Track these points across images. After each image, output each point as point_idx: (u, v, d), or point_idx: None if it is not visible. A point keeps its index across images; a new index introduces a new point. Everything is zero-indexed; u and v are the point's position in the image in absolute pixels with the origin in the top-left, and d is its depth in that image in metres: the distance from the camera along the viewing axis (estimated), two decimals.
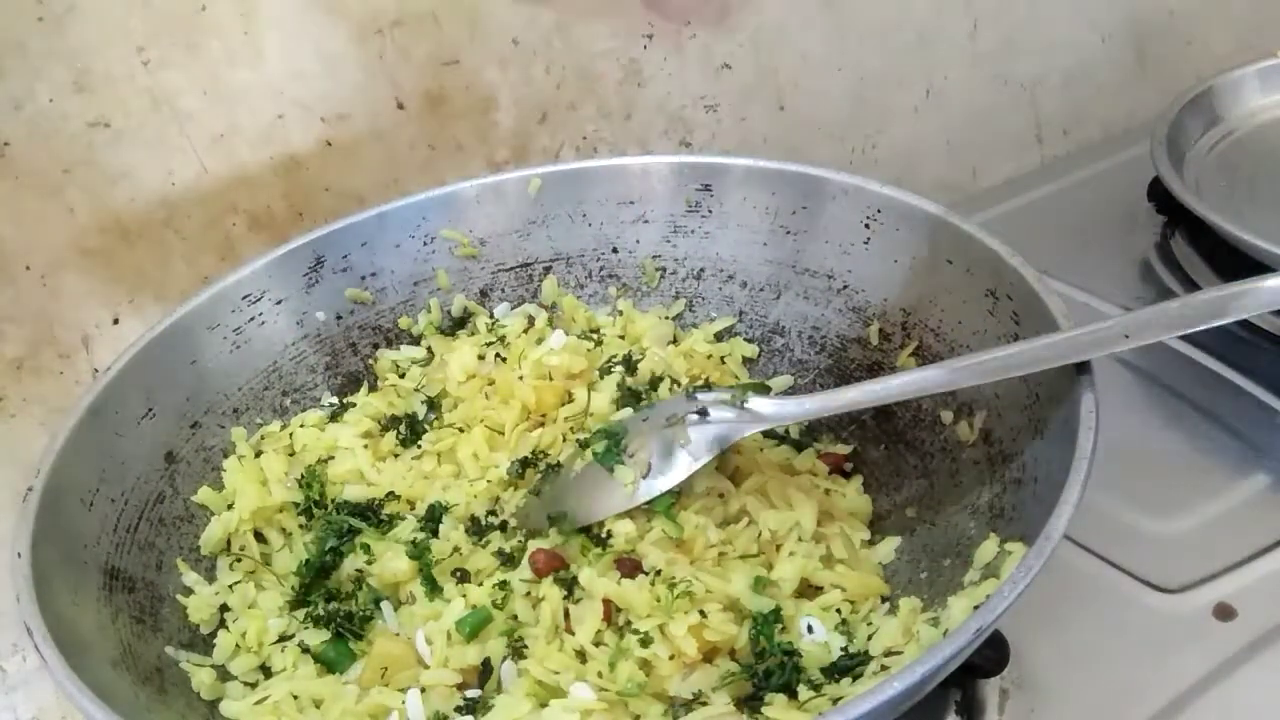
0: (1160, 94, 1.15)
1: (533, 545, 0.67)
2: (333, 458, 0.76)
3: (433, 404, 0.80)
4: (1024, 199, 1.18)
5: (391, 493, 0.73)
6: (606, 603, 0.63)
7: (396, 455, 0.77)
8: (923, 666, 0.49)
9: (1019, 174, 1.26)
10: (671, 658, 0.61)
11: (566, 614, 0.64)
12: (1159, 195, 1.05)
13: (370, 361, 0.83)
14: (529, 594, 0.65)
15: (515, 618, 0.65)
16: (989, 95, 1.24)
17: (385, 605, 0.68)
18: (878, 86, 1.15)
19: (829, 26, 1.10)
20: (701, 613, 0.62)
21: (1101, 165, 1.22)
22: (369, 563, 0.69)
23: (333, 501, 0.73)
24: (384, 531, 0.71)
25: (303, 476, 0.74)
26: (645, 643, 0.61)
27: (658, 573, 0.64)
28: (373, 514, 0.72)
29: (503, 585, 0.66)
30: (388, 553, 0.69)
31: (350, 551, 0.70)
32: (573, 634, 0.63)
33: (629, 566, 0.65)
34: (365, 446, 0.76)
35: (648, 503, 0.67)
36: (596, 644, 0.62)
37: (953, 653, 0.49)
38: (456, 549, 0.69)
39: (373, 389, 0.82)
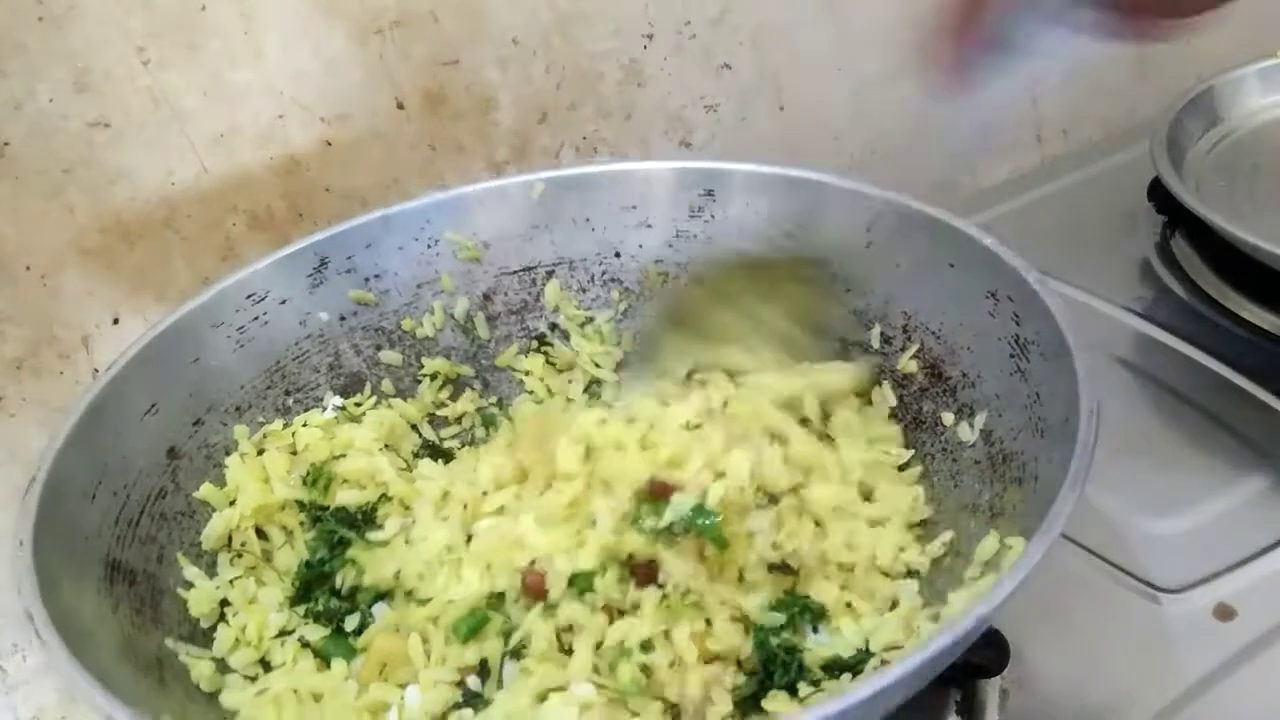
0: (1160, 94, 1.14)
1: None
2: (344, 455, 0.75)
3: None
4: (1023, 199, 1.18)
5: (385, 495, 0.73)
6: (608, 608, 0.63)
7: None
8: (922, 655, 0.48)
9: (1018, 174, 1.25)
10: (671, 665, 0.61)
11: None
12: (1159, 195, 1.05)
13: (372, 362, 0.83)
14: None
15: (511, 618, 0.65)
16: (989, 95, 1.23)
17: (384, 605, 0.68)
18: (878, 86, 1.15)
19: (829, 26, 1.10)
20: (707, 621, 0.62)
21: (1101, 165, 1.22)
22: (359, 574, 0.69)
23: (332, 506, 0.73)
24: (371, 538, 0.71)
25: (308, 473, 0.73)
26: (646, 648, 0.61)
27: (674, 587, 0.63)
28: (367, 519, 0.72)
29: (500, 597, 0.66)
30: (380, 553, 0.69)
31: (341, 566, 0.69)
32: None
33: (644, 574, 0.63)
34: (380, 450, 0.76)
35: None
36: (597, 646, 0.62)
37: (953, 641, 0.49)
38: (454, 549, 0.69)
39: (374, 390, 0.82)
